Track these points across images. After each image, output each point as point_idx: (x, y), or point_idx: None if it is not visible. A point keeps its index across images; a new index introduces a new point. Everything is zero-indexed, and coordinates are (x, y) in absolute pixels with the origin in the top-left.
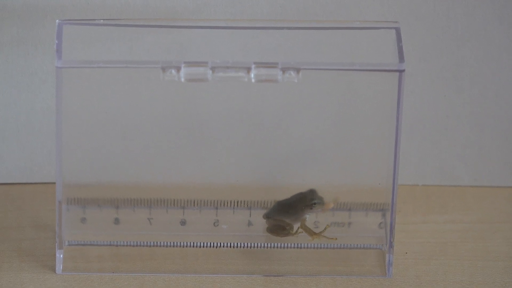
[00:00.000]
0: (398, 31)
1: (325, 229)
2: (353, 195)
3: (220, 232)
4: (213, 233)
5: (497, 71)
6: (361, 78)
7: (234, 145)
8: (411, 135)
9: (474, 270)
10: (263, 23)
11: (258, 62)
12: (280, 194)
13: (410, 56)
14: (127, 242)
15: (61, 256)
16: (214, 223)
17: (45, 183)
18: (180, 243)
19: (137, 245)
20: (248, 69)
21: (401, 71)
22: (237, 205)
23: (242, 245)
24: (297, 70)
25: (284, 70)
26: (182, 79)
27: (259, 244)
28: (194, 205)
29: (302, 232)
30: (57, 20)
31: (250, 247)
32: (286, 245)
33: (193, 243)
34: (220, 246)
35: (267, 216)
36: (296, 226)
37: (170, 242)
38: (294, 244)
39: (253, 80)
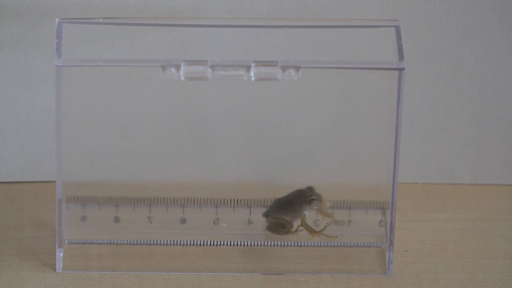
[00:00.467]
0: (397, 29)
1: (325, 227)
2: (353, 193)
3: (220, 231)
4: (213, 232)
5: (497, 69)
6: (361, 76)
7: (234, 144)
8: (411, 133)
9: (474, 268)
10: (263, 21)
11: (258, 60)
12: (280, 192)
13: (410, 55)
14: (127, 240)
15: (61, 254)
16: (214, 222)
17: (45, 181)
18: (180, 241)
19: (137, 244)
20: (248, 68)
21: (401, 69)
22: (237, 204)
23: (242, 243)
24: (297, 69)
25: (284, 68)
26: (182, 78)
27: (259, 243)
28: (194, 204)
29: (302, 230)
30: (56, 19)
31: (250, 245)
32: (286, 243)
33: (193, 241)
34: (220, 245)
35: (266, 215)
36: (296, 224)
37: (170, 241)
38: (294, 242)
39: (253, 79)
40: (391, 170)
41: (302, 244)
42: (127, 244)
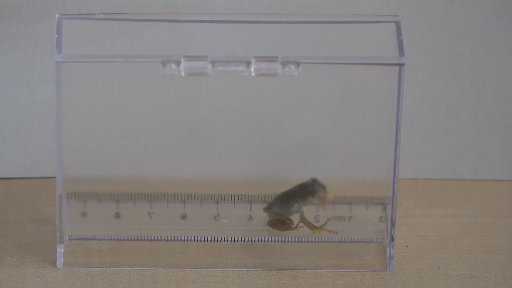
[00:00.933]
0: (398, 24)
1: (325, 223)
2: (353, 189)
3: (221, 226)
4: (213, 227)
5: (497, 66)
6: (361, 72)
7: (234, 139)
8: (412, 129)
9: (475, 263)
10: (263, 17)
11: (258, 56)
12: (281, 188)
13: (410, 51)
14: (127, 236)
15: (62, 250)
16: (214, 217)
17: (45, 177)
18: (181, 237)
19: (137, 240)
20: (248, 63)
21: (401, 65)
22: (238, 199)
23: (243, 239)
24: (297, 64)
25: (284, 64)
26: (182, 73)
27: (259, 238)
28: (194, 199)
29: (303, 226)
30: (57, 15)
31: (251, 241)
32: (286, 239)
33: (194, 237)
34: (220, 240)
35: (268, 207)
36: (296, 220)
37: (171, 236)
38: (295, 238)
39: (253, 74)
40: (392, 165)
41: (303, 240)
42: (127, 240)
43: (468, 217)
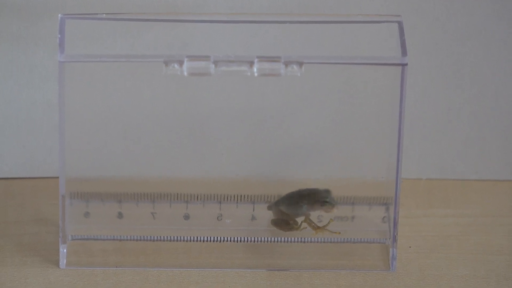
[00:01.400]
0: (400, 25)
1: (328, 223)
2: (356, 189)
3: (224, 227)
4: (216, 228)
5: (498, 65)
6: (364, 72)
7: (237, 139)
8: (414, 129)
9: (476, 263)
10: (266, 17)
11: (261, 56)
12: (284, 188)
13: (410, 51)
14: (130, 236)
15: (65, 250)
16: (217, 218)
17: (45, 177)
18: (184, 237)
19: (140, 240)
20: (251, 63)
21: (403, 65)
22: (241, 200)
23: (246, 239)
24: (300, 64)
25: (287, 64)
26: (185, 73)
27: (262, 239)
28: (197, 200)
29: (306, 227)
30: (59, 14)
31: (254, 241)
32: (289, 239)
33: (197, 237)
34: (223, 241)
35: (275, 205)
36: (299, 220)
37: (174, 237)
38: (298, 238)
39: (255, 74)
40: (393, 165)
41: (306, 240)
42: (130, 240)
43: (469, 217)
